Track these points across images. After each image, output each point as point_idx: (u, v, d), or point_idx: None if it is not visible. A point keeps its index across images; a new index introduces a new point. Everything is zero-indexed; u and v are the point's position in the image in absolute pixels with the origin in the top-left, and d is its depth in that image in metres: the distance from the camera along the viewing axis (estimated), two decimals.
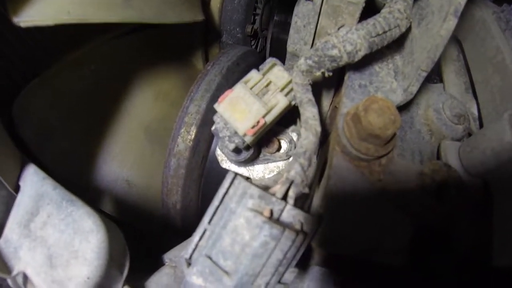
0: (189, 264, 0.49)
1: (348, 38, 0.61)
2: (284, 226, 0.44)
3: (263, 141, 0.75)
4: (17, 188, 0.70)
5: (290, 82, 0.66)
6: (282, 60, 1.08)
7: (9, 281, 0.67)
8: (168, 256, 0.75)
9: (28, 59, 0.88)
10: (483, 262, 0.65)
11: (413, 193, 0.62)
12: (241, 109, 0.62)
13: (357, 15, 0.68)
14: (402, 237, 0.59)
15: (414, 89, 0.68)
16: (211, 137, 0.89)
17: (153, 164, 1.04)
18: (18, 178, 0.71)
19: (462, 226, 0.66)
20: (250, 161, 0.77)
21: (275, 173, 0.77)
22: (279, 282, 0.46)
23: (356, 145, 0.60)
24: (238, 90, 0.63)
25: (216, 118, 0.66)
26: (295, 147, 0.76)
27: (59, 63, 0.92)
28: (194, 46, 1.25)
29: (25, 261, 0.64)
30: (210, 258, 0.46)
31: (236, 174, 0.49)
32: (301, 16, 0.75)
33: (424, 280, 0.69)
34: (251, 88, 0.64)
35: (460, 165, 0.71)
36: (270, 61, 0.68)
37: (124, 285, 0.68)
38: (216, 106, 0.64)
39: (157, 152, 1.05)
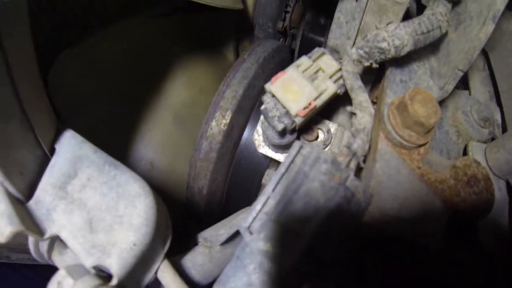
0: (250, 233, 0.53)
1: (397, 33, 0.68)
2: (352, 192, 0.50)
3: (303, 128, 0.81)
4: (52, 151, 0.69)
5: (338, 70, 0.73)
6: None
7: (31, 247, 0.68)
8: (203, 236, 0.79)
9: (63, 29, 0.92)
10: (506, 258, 0.72)
11: (447, 183, 0.69)
12: (294, 90, 0.69)
13: (401, 14, 0.76)
14: (438, 221, 0.66)
15: (450, 87, 0.76)
16: (245, 124, 0.95)
17: (178, 148, 1.09)
18: (54, 141, 0.70)
19: (488, 220, 0.73)
20: (287, 148, 0.83)
21: None
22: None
23: (400, 131, 0.67)
24: (291, 72, 0.70)
25: (266, 98, 0.72)
26: (332, 138, 0.83)
27: (94, 36, 0.97)
28: (227, 36, 1.32)
29: (59, 223, 0.62)
30: (279, 223, 0.51)
31: (303, 142, 0.55)
32: (344, 12, 0.83)
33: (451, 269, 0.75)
34: (302, 72, 0.70)
35: (486, 165, 0.78)
36: (319, 50, 0.75)
37: (164, 259, 0.68)
38: (268, 86, 0.70)
39: (183, 137, 1.10)
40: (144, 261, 0.63)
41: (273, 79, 0.70)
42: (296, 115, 0.69)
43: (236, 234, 0.75)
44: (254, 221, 0.54)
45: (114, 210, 0.63)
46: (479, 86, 0.96)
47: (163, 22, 1.14)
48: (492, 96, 0.95)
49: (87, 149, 0.68)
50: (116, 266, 0.59)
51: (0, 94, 0.57)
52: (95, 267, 0.60)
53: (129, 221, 0.61)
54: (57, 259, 0.66)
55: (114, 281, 0.58)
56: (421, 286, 0.72)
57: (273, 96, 0.71)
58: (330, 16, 1.21)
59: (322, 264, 0.49)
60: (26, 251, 1.09)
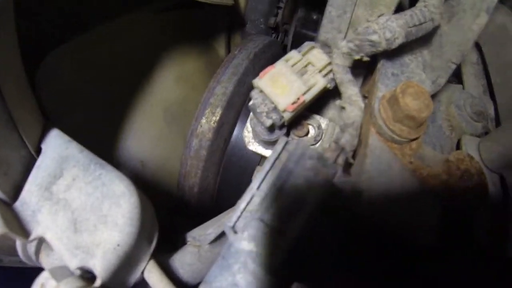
0: (235, 232, 0.52)
1: (388, 26, 0.67)
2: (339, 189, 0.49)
3: (293, 124, 0.80)
4: (38, 151, 0.69)
5: (328, 64, 0.72)
6: None
7: (19, 249, 0.67)
8: (192, 235, 0.78)
9: (57, 25, 0.91)
10: (500, 253, 0.71)
11: (440, 178, 0.68)
12: (282, 85, 0.67)
13: (393, 7, 0.75)
14: (431, 217, 0.65)
15: (443, 81, 0.75)
16: (235, 121, 0.94)
17: (169, 146, 1.08)
18: (40, 140, 0.70)
19: (482, 216, 0.72)
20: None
21: None
22: None
23: (391, 126, 0.66)
24: (280, 67, 0.68)
25: (254, 93, 0.71)
26: (323, 134, 0.82)
27: (85, 34, 0.95)
28: (218, 32, 1.31)
29: (44, 225, 0.62)
30: (263, 221, 0.50)
31: (288, 139, 0.53)
32: (335, 6, 0.82)
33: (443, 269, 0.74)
34: (291, 67, 0.69)
35: (479, 159, 0.78)
36: (308, 44, 0.74)
37: (150, 259, 0.67)
38: (256, 81, 0.69)
39: (174, 134, 1.09)
40: (129, 261, 0.62)
41: (261, 74, 0.69)
42: (285, 110, 0.68)
43: (224, 233, 0.74)
44: (239, 220, 0.53)
45: (98, 210, 0.62)
46: (473, 79, 0.95)
47: (155, 19, 1.12)
48: (486, 90, 0.94)
49: (73, 149, 0.68)
50: (100, 267, 0.58)
51: None
52: (79, 268, 0.59)
53: (114, 221, 0.60)
54: (45, 261, 0.65)
55: (97, 283, 0.58)
56: (414, 283, 0.71)
57: (261, 91, 0.70)
58: (322, 11, 1.20)
59: (309, 263, 0.48)
60: (14, 253, 1.08)
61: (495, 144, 0.75)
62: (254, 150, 0.85)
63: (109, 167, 0.66)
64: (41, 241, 0.65)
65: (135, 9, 1.06)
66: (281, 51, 1.11)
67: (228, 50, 1.37)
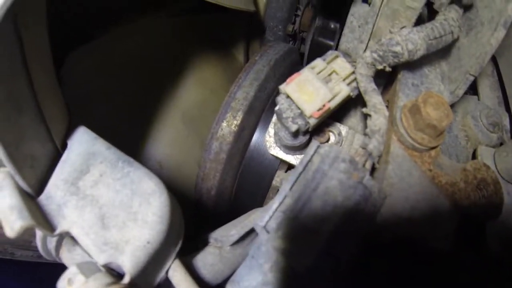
0: (267, 232, 0.55)
1: (410, 38, 0.72)
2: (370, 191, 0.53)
3: (315, 130, 0.84)
4: (63, 146, 0.70)
5: (351, 73, 0.75)
6: None
7: (39, 243, 0.68)
8: (213, 236, 0.81)
9: (81, 22, 0.95)
10: None
11: (457, 186, 0.72)
12: (309, 91, 0.71)
13: (413, 19, 0.79)
14: (448, 223, 0.69)
15: (461, 92, 0.79)
16: (255, 125, 0.97)
17: (187, 148, 1.12)
18: (66, 136, 0.71)
19: (496, 224, 0.76)
20: (299, 149, 0.86)
21: None
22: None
23: (412, 134, 0.70)
24: (306, 74, 0.72)
25: (280, 99, 0.75)
26: (343, 141, 0.85)
27: (108, 34, 1.00)
28: (237, 38, 1.36)
29: (70, 219, 0.62)
30: (297, 221, 0.54)
31: (320, 143, 0.57)
32: (357, 16, 0.86)
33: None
34: (317, 74, 0.73)
35: (495, 169, 0.81)
36: (332, 52, 0.78)
37: (175, 258, 0.69)
38: (283, 86, 0.73)
39: (191, 137, 1.13)
40: (157, 259, 0.64)
41: (288, 80, 0.73)
42: (311, 116, 0.71)
43: (247, 234, 0.78)
44: (271, 219, 0.56)
45: (128, 207, 0.63)
46: (488, 91, 0.99)
47: (176, 22, 1.17)
48: (501, 102, 0.98)
49: (100, 145, 0.70)
50: (129, 263, 0.59)
51: (15, 85, 0.58)
52: (106, 265, 0.60)
53: (144, 218, 0.62)
54: (66, 256, 0.67)
55: (126, 279, 0.59)
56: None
57: (288, 97, 0.74)
58: (339, 20, 1.25)
59: (339, 264, 0.51)
60: (31, 248, 1.11)
61: (510, 154, 0.79)
62: (275, 154, 0.88)
63: (137, 165, 0.67)
64: (62, 236, 0.66)
65: (153, 12, 1.10)
66: (299, 59, 1.15)
67: (247, 56, 1.41)
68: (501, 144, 0.90)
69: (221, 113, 0.96)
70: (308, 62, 1.26)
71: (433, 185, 0.71)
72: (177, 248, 0.70)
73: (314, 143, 0.58)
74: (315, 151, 0.57)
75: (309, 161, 0.57)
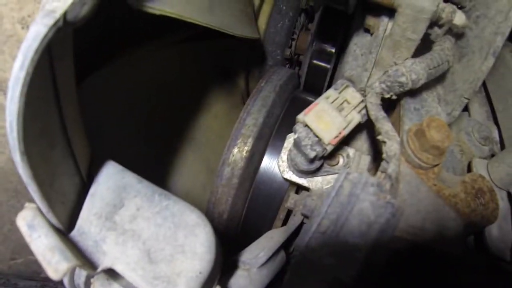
0: (311, 251, 0.72)
1: (413, 69, 0.91)
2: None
3: (327, 154, 1.02)
4: (88, 180, 0.76)
5: (361, 102, 0.94)
6: (319, 84, 1.39)
7: (66, 279, 0.73)
8: (241, 260, 0.96)
9: (88, 51, 1.09)
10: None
11: (459, 196, 0.92)
12: (326, 121, 0.89)
13: (413, 49, 0.99)
14: (456, 230, 0.88)
15: (457, 113, 1.00)
16: (264, 150, 1.15)
17: (193, 174, 1.28)
18: (89, 168, 0.78)
19: (494, 227, 0.97)
20: (311, 173, 1.04)
21: (332, 184, 1.05)
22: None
23: (419, 155, 0.89)
24: (323, 104, 0.91)
25: (298, 128, 0.92)
26: (351, 162, 1.05)
27: (116, 61, 1.14)
28: (239, 63, 1.53)
29: (112, 256, 0.67)
30: (338, 238, 0.71)
31: (348, 171, 0.76)
32: (359, 45, 1.06)
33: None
34: (331, 103, 0.92)
35: (489, 179, 1.02)
36: (343, 82, 0.96)
37: (217, 284, 0.76)
38: (301, 116, 0.91)
39: (197, 163, 1.29)
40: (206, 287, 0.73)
41: (306, 110, 0.91)
42: (329, 144, 0.89)
43: (273, 254, 0.95)
44: (310, 240, 0.73)
45: (173, 240, 0.69)
46: (477, 107, 1.21)
47: (182, 48, 1.32)
48: (489, 116, 1.20)
49: (131, 179, 0.76)
50: None
51: (48, 120, 0.63)
52: None
53: (192, 250, 0.68)
54: None
55: None
56: None
57: (305, 126, 0.92)
58: (335, 44, 1.46)
59: (377, 273, 0.69)
60: (35, 278, 1.22)
61: (502, 164, 1.00)
62: (289, 178, 1.06)
63: (174, 197, 0.74)
64: (92, 274, 0.70)
65: (158, 39, 1.26)
66: (299, 82, 1.34)
67: (247, 81, 1.59)
68: (493, 155, 1.11)
69: (232, 140, 1.12)
70: (306, 84, 1.46)
71: (439, 198, 0.90)
72: (219, 274, 0.78)
73: (343, 171, 0.76)
74: (345, 177, 0.76)
75: (340, 186, 0.76)
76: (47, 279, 1.24)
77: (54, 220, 0.65)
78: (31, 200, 0.63)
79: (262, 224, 1.19)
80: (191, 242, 0.69)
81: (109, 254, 0.68)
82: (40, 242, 0.60)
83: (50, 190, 0.63)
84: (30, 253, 1.13)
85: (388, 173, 0.76)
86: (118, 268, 0.67)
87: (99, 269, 0.67)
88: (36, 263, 1.15)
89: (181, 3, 0.95)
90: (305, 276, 0.72)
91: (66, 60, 0.66)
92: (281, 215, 1.16)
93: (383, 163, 0.80)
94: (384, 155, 0.82)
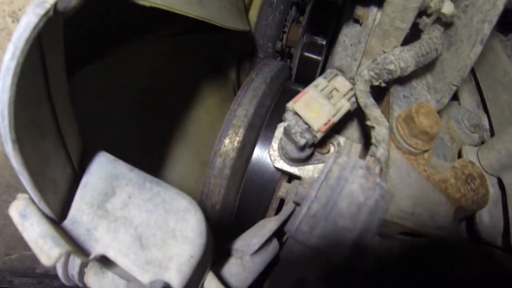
0: (302, 234, 0.75)
1: (402, 57, 0.95)
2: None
3: (318, 142, 1.06)
4: (80, 170, 0.79)
5: (350, 90, 0.98)
6: (310, 75, 1.43)
7: (59, 269, 0.76)
8: (234, 248, 0.99)
9: (80, 45, 1.12)
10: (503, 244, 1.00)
11: (449, 181, 0.96)
12: (315, 108, 0.93)
13: (401, 38, 1.03)
14: (446, 215, 0.92)
15: (446, 100, 1.04)
16: (255, 141, 1.18)
17: (185, 166, 1.31)
18: (81, 159, 0.80)
19: (484, 212, 1.01)
20: (302, 162, 1.08)
21: None
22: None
23: (408, 140, 0.93)
24: (312, 92, 0.94)
25: (287, 116, 0.96)
26: (342, 150, 1.08)
27: (110, 55, 1.18)
28: (230, 56, 1.57)
29: (104, 242, 0.71)
30: (328, 221, 0.74)
31: (337, 155, 0.79)
32: (349, 36, 1.10)
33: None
34: (320, 92, 0.96)
35: (479, 165, 1.06)
36: (332, 71, 1.00)
37: (209, 270, 0.80)
38: (291, 104, 0.94)
39: (190, 155, 1.32)
40: (198, 272, 0.74)
41: (295, 98, 0.94)
42: (318, 131, 0.93)
43: (264, 243, 0.99)
44: (301, 224, 0.76)
45: (164, 226, 0.72)
46: (467, 96, 1.25)
47: (175, 42, 1.36)
48: (479, 104, 1.24)
49: (122, 168, 0.79)
50: (177, 279, 0.69)
51: (39, 109, 0.65)
52: (152, 283, 0.69)
53: (183, 234, 0.71)
54: (92, 280, 0.75)
55: None
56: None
57: (295, 114, 0.95)
58: (326, 36, 1.50)
59: (367, 253, 0.73)
60: (30, 275, 1.25)
61: (491, 151, 1.04)
62: (280, 167, 1.09)
63: (165, 184, 0.77)
64: (84, 261, 0.73)
65: (151, 33, 1.30)
66: (290, 74, 1.38)
67: (238, 74, 1.63)
68: (482, 142, 1.15)
69: (223, 130, 1.16)
70: (297, 77, 1.51)
71: (429, 183, 0.94)
72: (211, 261, 0.82)
73: (332, 156, 0.80)
74: (334, 161, 0.79)
75: (329, 170, 0.79)
76: (43, 275, 1.28)
77: (46, 209, 0.68)
78: (17, 196, 0.66)
79: (255, 214, 1.23)
80: (182, 227, 0.72)
81: (101, 241, 0.71)
82: (32, 230, 0.63)
83: (41, 179, 0.66)
84: (25, 248, 1.17)
85: (377, 157, 0.80)
86: (110, 254, 0.70)
87: (92, 256, 0.70)
88: (31, 258, 1.19)
89: None
90: (297, 259, 0.75)
91: (57, 50, 0.69)
92: (274, 204, 1.19)
93: (372, 148, 0.84)
94: (373, 140, 0.85)
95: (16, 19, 0.87)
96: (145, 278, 0.69)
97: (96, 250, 0.71)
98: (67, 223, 0.74)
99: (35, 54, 0.58)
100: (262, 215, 1.22)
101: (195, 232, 0.72)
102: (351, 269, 0.71)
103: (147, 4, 0.91)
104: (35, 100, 0.64)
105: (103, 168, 0.80)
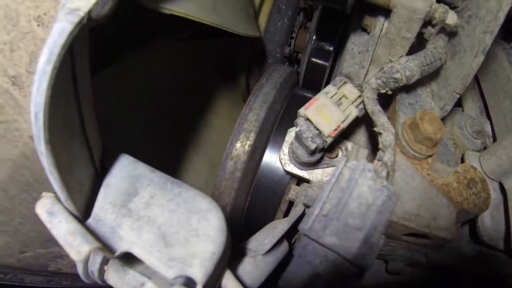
0: (315, 232, 0.84)
1: (407, 66, 1.04)
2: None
3: (327, 147, 1.15)
4: (101, 171, 0.83)
5: (358, 97, 1.07)
6: (318, 81, 1.52)
7: (80, 265, 0.77)
8: (247, 247, 1.07)
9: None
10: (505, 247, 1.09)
11: (452, 185, 1.05)
12: (326, 114, 1.02)
13: (407, 47, 1.12)
14: (449, 216, 1.01)
15: (449, 107, 1.13)
16: (265, 145, 1.27)
17: (196, 169, 1.40)
18: (102, 160, 0.85)
19: (486, 216, 1.10)
20: (311, 166, 1.16)
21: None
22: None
23: (413, 146, 1.02)
24: (322, 99, 1.03)
25: (299, 121, 1.04)
26: (349, 155, 1.17)
27: (124, 59, 1.26)
28: (240, 62, 1.66)
29: (129, 240, 0.74)
30: (340, 220, 0.83)
31: (347, 159, 0.88)
32: (357, 44, 1.19)
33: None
34: (330, 98, 1.04)
35: (481, 170, 1.15)
36: (341, 79, 1.09)
37: (226, 268, 0.83)
38: (302, 110, 1.03)
39: (200, 158, 1.40)
40: (218, 269, 0.77)
41: (307, 105, 1.03)
42: (328, 136, 1.01)
43: (277, 243, 1.07)
44: (314, 223, 0.85)
45: (186, 225, 0.76)
46: (471, 103, 1.34)
47: (187, 47, 1.44)
48: (482, 111, 1.33)
49: (143, 169, 0.84)
50: (200, 274, 0.72)
51: (69, 110, 0.70)
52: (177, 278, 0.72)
53: (205, 233, 0.76)
54: (113, 277, 0.76)
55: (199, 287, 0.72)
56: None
57: (306, 119, 1.04)
58: (333, 42, 1.59)
59: (375, 249, 0.81)
60: (41, 273, 1.32)
61: (493, 156, 1.13)
62: (290, 170, 1.18)
63: (186, 186, 0.82)
64: (105, 258, 0.75)
65: (164, 38, 1.38)
66: (298, 80, 1.47)
67: (247, 79, 1.72)
68: (485, 148, 1.24)
69: (234, 134, 1.24)
70: (304, 81, 1.60)
71: (432, 187, 1.03)
72: (228, 258, 0.85)
73: (342, 159, 0.89)
74: (344, 165, 0.88)
75: (340, 173, 0.88)
76: (54, 273, 1.35)
77: (72, 208, 0.72)
78: (42, 194, 0.70)
79: (264, 216, 1.31)
80: (204, 226, 0.77)
81: (126, 239, 0.75)
82: (60, 227, 0.67)
83: (69, 178, 0.69)
84: (39, 246, 1.23)
85: (384, 161, 0.88)
86: (135, 252, 0.74)
87: (117, 252, 0.73)
88: (44, 256, 1.27)
89: (188, 3, 1.07)
90: (311, 256, 0.83)
91: (84, 55, 0.73)
92: (283, 207, 1.27)
93: (379, 153, 0.93)
94: (380, 145, 0.94)
95: (41, 23, 0.92)
96: (170, 274, 0.72)
97: (122, 247, 0.74)
98: (91, 221, 0.78)
99: (67, 59, 0.62)
100: (271, 218, 1.30)
101: (217, 230, 0.77)
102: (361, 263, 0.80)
103: (167, 11, 1.00)
104: (66, 102, 0.68)
105: (125, 169, 0.85)
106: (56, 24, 0.59)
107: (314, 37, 1.59)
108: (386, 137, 0.94)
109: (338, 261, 0.79)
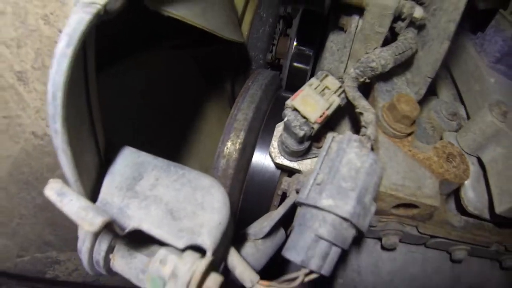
0: (312, 199, 1.01)
1: (382, 55, 1.26)
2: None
3: (314, 137, 1.35)
4: (105, 160, 0.91)
5: (340, 87, 1.28)
6: (300, 84, 1.74)
7: (85, 255, 0.84)
8: (248, 232, 1.22)
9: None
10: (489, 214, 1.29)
11: (432, 159, 1.26)
12: (311, 103, 1.22)
13: (381, 41, 1.33)
14: (432, 186, 1.21)
15: (423, 91, 1.35)
16: (255, 142, 1.45)
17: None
18: (106, 150, 0.92)
19: (469, 188, 1.31)
20: (300, 156, 1.36)
21: None
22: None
23: (392, 125, 1.23)
24: (307, 90, 1.24)
25: (287, 112, 1.23)
26: None
27: (114, 67, 1.44)
28: (226, 68, 1.86)
29: (137, 218, 0.82)
30: (333, 185, 1.00)
31: (334, 134, 1.08)
32: (335, 42, 1.42)
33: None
34: (314, 89, 1.26)
35: (459, 147, 1.37)
36: (322, 72, 1.30)
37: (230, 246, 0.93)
38: (289, 101, 1.22)
39: (191, 160, 1.59)
40: (225, 240, 0.87)
41: (293, 96, 1.22)
42: (315, 122, 1.21)
43: (273, 229, 1.25)
44: (310, 192, 1.02)
45: (193, 200, 0.85)
46: (445, 90, 1.58)
47: (178, 55, 1.63)
48: (456, 98, 1.57)
49: (146, 156, 0.93)
50: (209, 241, 0.81)
51: (81, 100, 0.77)
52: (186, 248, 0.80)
53: (211, 206, 0.85)
54: (119, 263, 0.85)
55: (209, 254, 0.80)
56: None
57: (294, 109, 1.24)
58: (313, 47, 1.83)
59: (369, 210, 1.00)
60: (39, 283, 1.43)
61: (468, 133, 1.33)
62: (280, 162, 1.36)
63: (188, 168, 0.91)
64: (111, 246, 0.86)
65: (155, 45, 1.58)
66: (281, 83, 1.68)
67: (232, 85, 1.93)
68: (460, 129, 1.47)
69: (225, 134, 1.41)
70: (287, 86, 1.82)
71: (414, 160, 1.23)
72: (232, 236, 0.97)
73: (329, 135, 1.08)
74: (332, 140, 1.08)
75: (329, 147, 1.07)
76: (51, 281, 1.46)
77: (81, 190, 0.78)
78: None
79: (258, 212, 1.46)
80: (209, 199, 0.87)
81: (134, 217, 0.83)
82: (72, 205, 0.70)
83: (80, 162, 0.75)
84: (37, 250, 1.36)
85: (367, 135, 1.09)
86: (145, 227, 0.82)
87: (127, 229, 0.81)
88: (42, 261, 1.38)
89: (183, 7, 1.25)
90: (310, 221, 0.97)
91: (92, 47, 0.80)
92: (275, 202, 1.44)
93: (362, 129, 1.13)
94: (362, 123, 1.14)
95: (47, 22, 1.00)
96: (180, 244, 0.80)
97: (131, 224, 0.82)
98: (98, 204, 0.85)
99: (81, 47, 0.68)
100: (265, 213, 1.47)
101: (221, 203, 0.88)
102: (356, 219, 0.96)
103: (165, 14, 1.15)
104: (78, 89, 0.75)
105: (128, 157, 0.93)
106: (73, 16, 0.66)
107: (294, 43, 1.82)
108: (368, 116, 1.15)
109: (336, 221, 0.92)
